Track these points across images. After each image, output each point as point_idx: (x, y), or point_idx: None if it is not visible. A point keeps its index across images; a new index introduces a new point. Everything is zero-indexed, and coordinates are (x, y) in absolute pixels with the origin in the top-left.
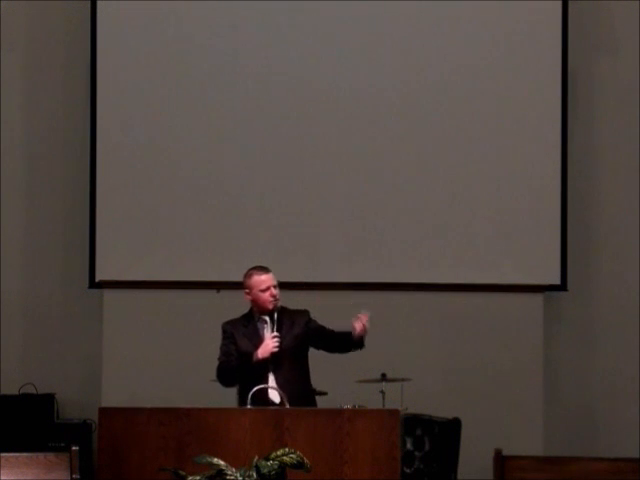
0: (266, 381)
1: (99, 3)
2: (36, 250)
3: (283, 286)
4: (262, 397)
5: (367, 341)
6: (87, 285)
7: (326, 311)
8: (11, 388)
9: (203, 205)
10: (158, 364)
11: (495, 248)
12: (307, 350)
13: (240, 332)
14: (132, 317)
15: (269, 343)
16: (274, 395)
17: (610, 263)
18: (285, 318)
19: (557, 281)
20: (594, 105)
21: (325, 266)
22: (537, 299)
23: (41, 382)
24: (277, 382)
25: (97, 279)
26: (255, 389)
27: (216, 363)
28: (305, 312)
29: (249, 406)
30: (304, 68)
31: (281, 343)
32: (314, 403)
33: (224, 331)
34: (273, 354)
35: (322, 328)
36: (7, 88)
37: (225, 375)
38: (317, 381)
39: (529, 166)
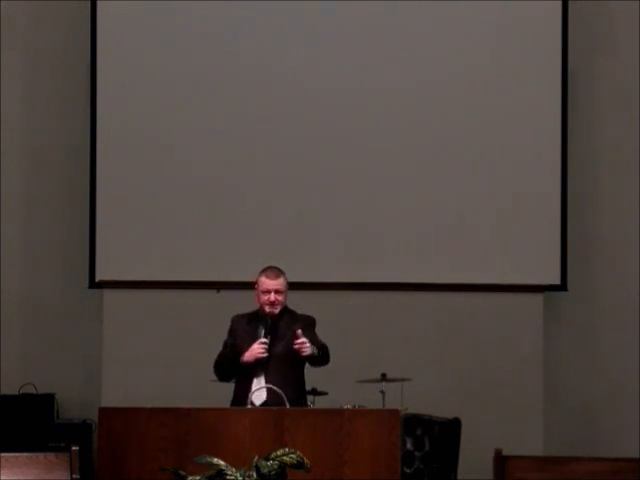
0: (251, 384)
1: (99, 3)
2: (36, 250)
3: None
4: (246, 399)
5: (367, 341)
6: (87, 285)
7: (326, 311)
8: (11, 388)
9: (203, 205)
10: (158, 364)
11: (495, 248)
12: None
13: (243, 329)
14: (132, 317)
15: (255, 348)
16: (257, 398)
17: (610, 263)
18: (285, 323)
19: (557, 281)
20: (594, 105)
21: (325, 266)
22: (537, 299)
23: (41, 382)
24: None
25: (97, 279)
26: (256, 389)
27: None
28: (309, 319)
29: (249, 406)
30: (305, 68)
31: (270, 350)
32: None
33: (231, 324)
34: (260, 359)
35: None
36: (7, 88)
37: (216, 369)
38: (317, 381)
39: (529, 166)
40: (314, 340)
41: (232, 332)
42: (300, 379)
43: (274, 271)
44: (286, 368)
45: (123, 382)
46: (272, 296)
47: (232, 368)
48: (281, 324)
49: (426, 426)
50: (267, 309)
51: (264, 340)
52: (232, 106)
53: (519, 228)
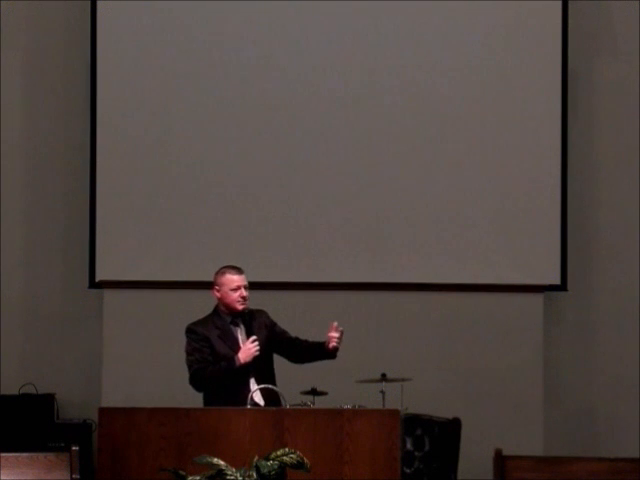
0: (248, 385)
1: (99, 3)
2: (36, 250)
3: (283, 286)
4: (244, 400)
5: (367, 341)
6: (87, 285)
7: (326, 311)
8: (11, 388)
9: (203, 205)
10: (158, 364)
11: (495, 248)
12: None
13: (214, 335)
14: (132, 317)
15: (251, 347)
16: (258, 398)
17: (610, 263)
18: (254, 320)
19: (557, 281)
20: (594, 105)
21: (325, 266)
22: (537, 299)
23: (41, 382)
24: (257, 385)
25: (97, 279)
26: (256, 389)
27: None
28: (265, 312)
29: (249, 406)
30: (305, 69)
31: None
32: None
33: (195, 333)
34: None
35: (285, 333)
36: (7, 88)
37: (204, 382)
38: (317, 381)
39: (529, 166)
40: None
41: (203, 341)
42: (274, 374)
43: (236, 268)
44: (266, 365)
45: (123, 382)
46: (243, 291)
47: (229, 377)
48: (254, 322)
49: (426, 426)
50: (239, 306)
51: (255, 337)
52: (233, 106)
53: (519, 228)
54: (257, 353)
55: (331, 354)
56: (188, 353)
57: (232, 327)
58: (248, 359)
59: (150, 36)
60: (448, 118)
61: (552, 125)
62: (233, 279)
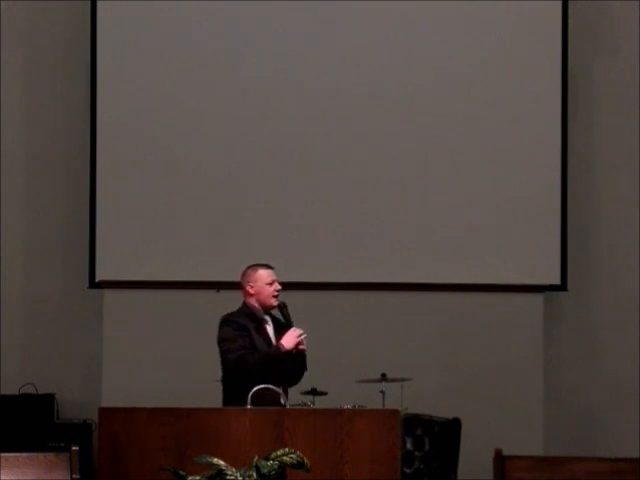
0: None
1: (99, 3)
2: (36, 250)
3: (283, 286)
4: (270, 398)
5: (367, 341)
6: (87, 285)
7: (326, 311)
8: (11, 388)
9: (203, 205)
10: (158, 364)
11: (495, 248)
12: None
13: (251, 327)
14: (132, 317)
15: (294, 334)
16: (284, 400)
17: (610, 263)
18: (279, 323)
19: (557, 281)
20: (594, 105)
21: (324, 266)
22: (537, 299)
23: (41, 382)
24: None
25: (97, 279)
26: (256, 388)
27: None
28: None
29: (249, 406)
30: (304, 68)
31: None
32: None
33: (236, 322)
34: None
35: None
36: (7, 88)
37: (251, 366)
38: (317, 381)
39: (529, 166)
40: None
41: (243, 330)
42: None
43: (265, 264)
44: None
45: (123, 382)
46: (277, 285)
47: (275, 364)
48: (278, 323)
49: (426, 426)
50: (274, 301)
51: (296, 328)
52: (232, 106)
53: (519, 228)
54: (299, 339)
55: (298, 361)
56: (229, 340)
57: (268, 319)
58: (291, 346)
59: (150, 36)
60: (448, 118)
61: (552, 125)
62: (268, 274)
